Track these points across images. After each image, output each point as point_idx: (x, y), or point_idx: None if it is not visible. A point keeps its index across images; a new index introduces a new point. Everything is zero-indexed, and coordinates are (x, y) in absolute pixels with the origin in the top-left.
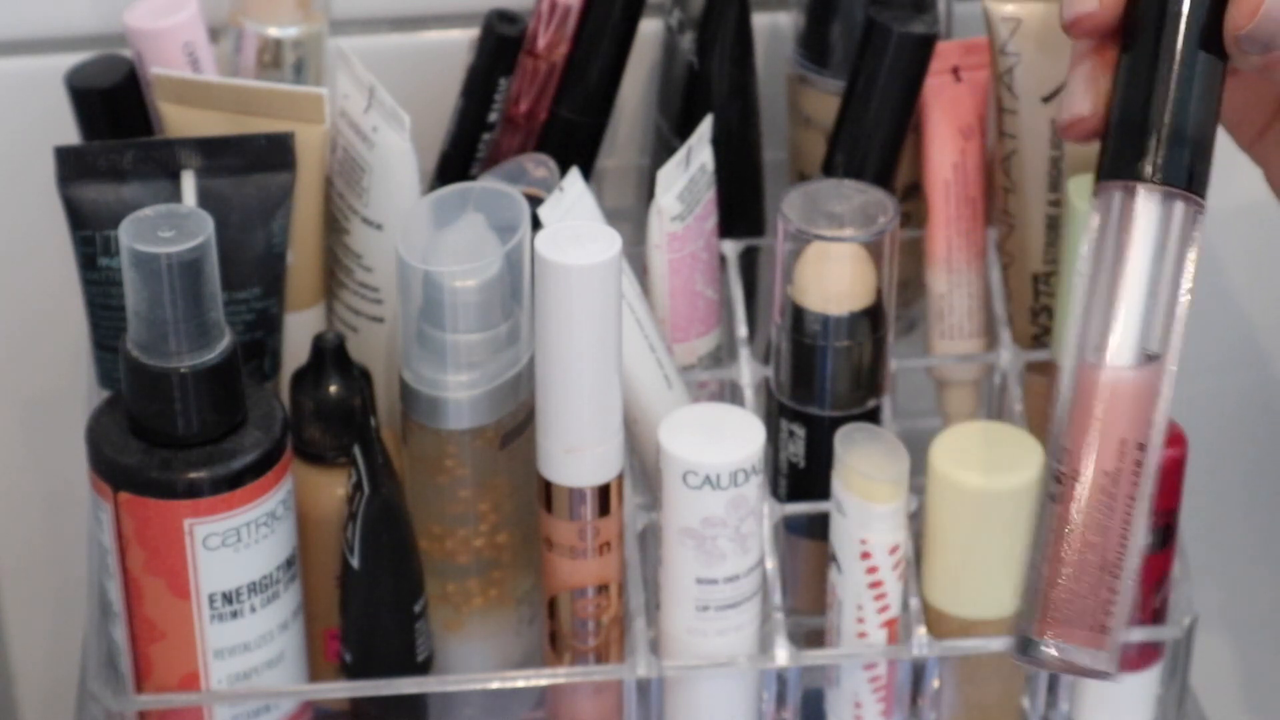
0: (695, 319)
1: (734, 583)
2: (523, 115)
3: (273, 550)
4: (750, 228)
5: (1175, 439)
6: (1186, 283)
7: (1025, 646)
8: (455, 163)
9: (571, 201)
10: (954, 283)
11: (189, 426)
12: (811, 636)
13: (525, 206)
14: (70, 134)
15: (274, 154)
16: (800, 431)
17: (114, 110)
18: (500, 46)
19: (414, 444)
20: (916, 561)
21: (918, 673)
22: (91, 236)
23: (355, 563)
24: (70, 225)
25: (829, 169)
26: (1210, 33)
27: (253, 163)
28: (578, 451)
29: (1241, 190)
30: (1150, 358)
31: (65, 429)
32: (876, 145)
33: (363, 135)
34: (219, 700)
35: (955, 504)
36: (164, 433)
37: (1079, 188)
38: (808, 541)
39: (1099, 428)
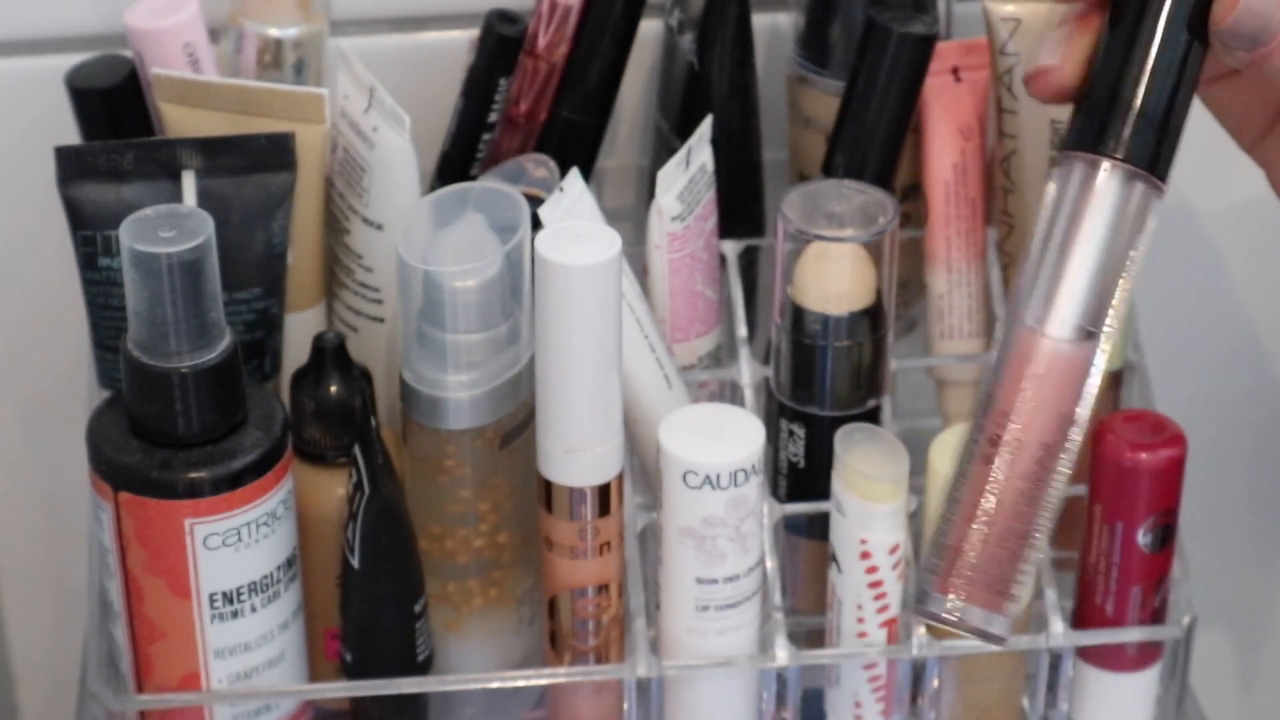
0: (695, 319)
1: (734, 583)
2: (523, 115)
3: (273, 550)
4: (750, 228)
5: (1175, 439)
6: (1134, 266)
7: (925, 600)
8: (455, 163)
9: (571, 201)
10: (954, 283)
11: (189, 426)
12: (811, 636)
13: (525, 206)
14: (70, 134)
15: (274, 154)
16: (800, 431)
17: (114, 110)
18: (500, 46)
19: (414, 444)
20: (916, 561)
21: (918, 672)
22: (92, 236)
23: (355, 563)
24: (70, 225)
25: (829, 169)
26: (1194, 19)
27: (253, 163)
28: (578, 451)
29: (1242, 189)
30: (1089, 335)
31: (65, 429)
32: (876, 145)
33: (363, 135)
34: (219, 700)
35: None
36: (164, 433)
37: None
38: (808, 541)
39: (1039, 398)
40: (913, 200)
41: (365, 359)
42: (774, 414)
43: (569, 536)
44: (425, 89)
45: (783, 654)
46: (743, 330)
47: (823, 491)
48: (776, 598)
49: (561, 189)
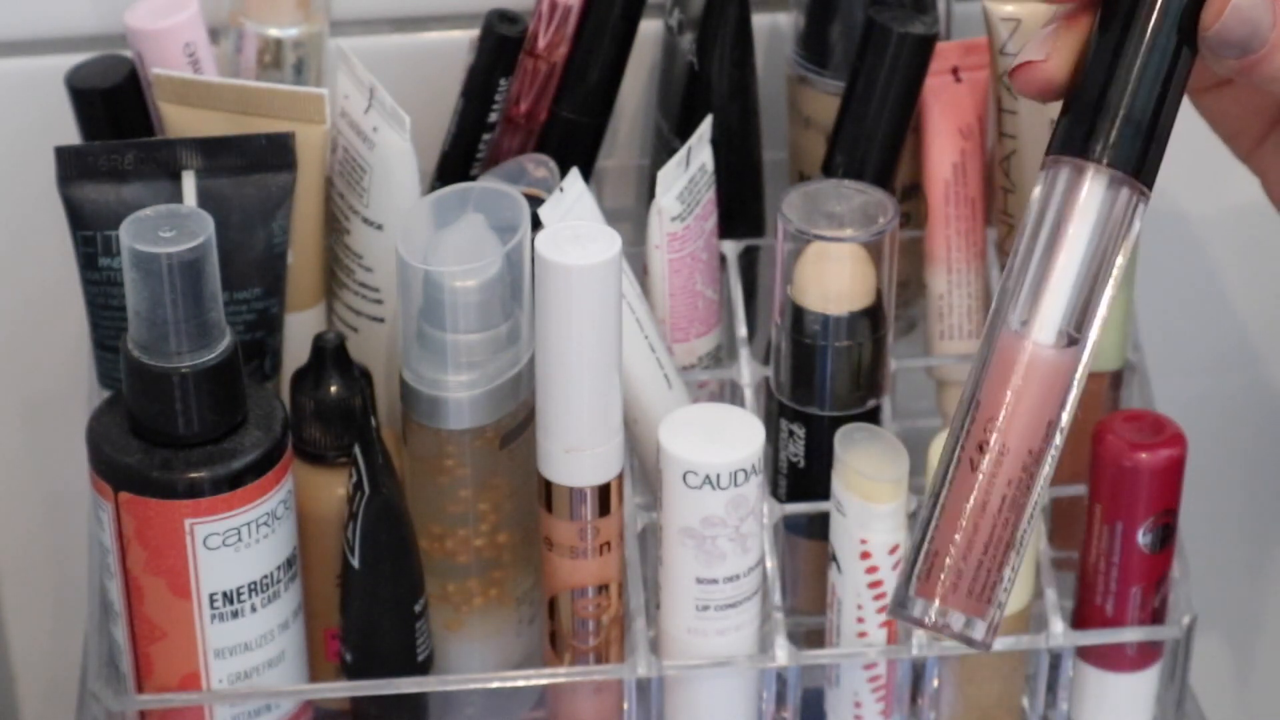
0: (695, 319)
1: (734, 582)
2: (523, 115)
3: (273, 550)
4: (750, 228)
5: (1175, 439)
6: (1120, 272)
7: (905, 604)
8: (455, 163)
9: (571, 201)
10: (954, 283)
11: (189, 426)
12: (811, 636)
13: (525, 206)
14: (70, 134)
15: (274, 154)
16: (800, 431)
17: (114, 110)
18: (500, 46)
19: (414, 444)
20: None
21: (917, 672)
22: (92, 236)
23: (355, 563)
24: (70, 225)
25: (829, 169)
26: (1183, 26)
27: (253, 163)
28: (578, 451)
29: (1242, 189)
30: (1073, 340)
31: (65, 429)
32: (876, 145)
33: (363, 135)
34: (219, 700)
35: None
36: (164, 433)
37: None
38: (808, 541)
39: (1024, 404)
40: (913, 200)
41: (365, 359)
42: (774, 414)
43: (569, 536)
44: (425, 89)
45: (783, 654)
46: (743, 330)
47: (823, 491)
48: (776, 598)
49: (561, 189)
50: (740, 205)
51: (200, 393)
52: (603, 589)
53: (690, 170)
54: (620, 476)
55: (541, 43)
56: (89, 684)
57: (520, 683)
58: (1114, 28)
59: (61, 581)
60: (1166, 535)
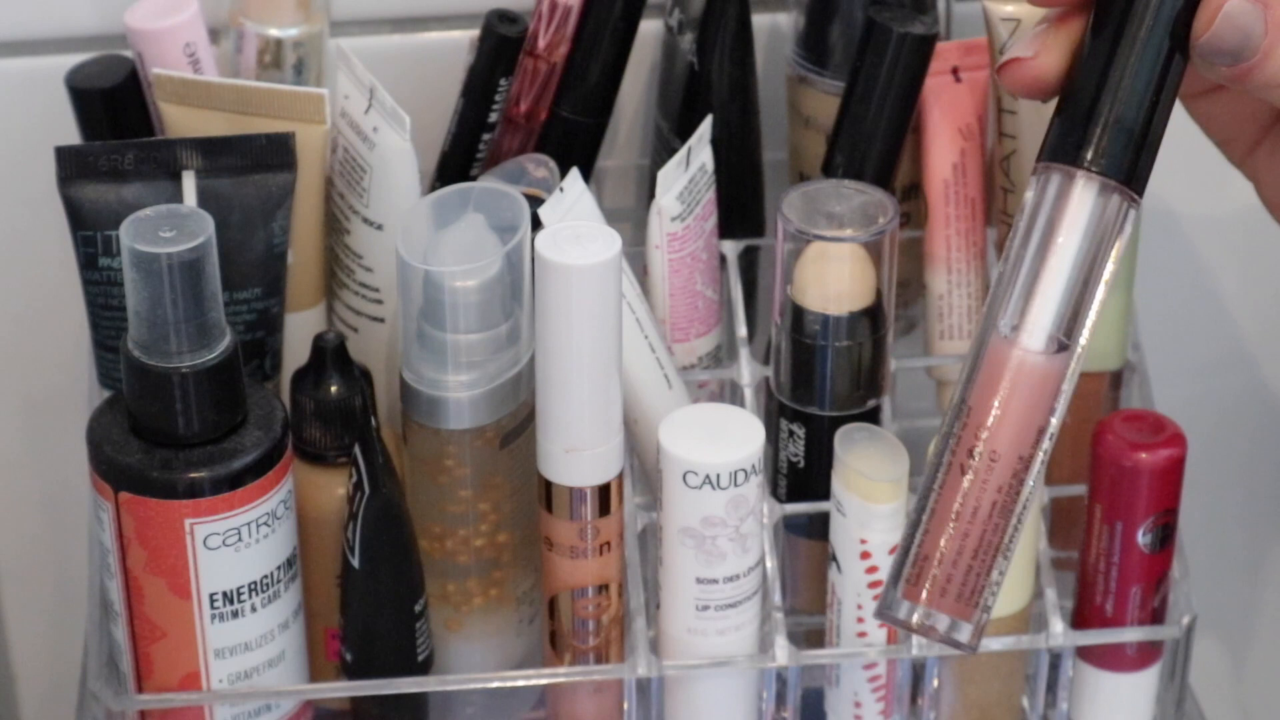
0: (695, 319)
1: (734, 582)
2: (523, 115)
3: (273, 550)
4: (750, 228)
5: (1175, 439)
6: (1106, 278)
7: (892, 606)
8: (455, 163)
9: (571, 201)
10: (954, 283)
11: (189, 426)
12: (811, 636)
13: (525, 206)
14: (70, 134)
15: (274, 154)
16: (800, 431)
17: (114, 110)
18: (500, 46)
19: (414, 444)
20: None
21: (917, 672)
22: (92, 236)
23: (355, 562)
24: (70, 225)
25: (829, 169)
26: (1175, 33)
27: (253, 163)
28: (578, 451)
29: (1242, 189)
30: (1062, 346)
31: (65, 429)
32: (876, 145)
33: (363, 135)
34: (219, 700)
35: None
36: (165, 433)
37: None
38: (808, 541)
39: (1016, 410)
40: (913, 200)
41: (365, 359)
42: (774, 414)
43: (569, 536)
44: (425, 89)
45: (782, 654)
46: (743, 330)
47: (823, 491)
48: (776, 598)
49: (561, 189)
50: (740, 205)
51: (200, 393)
52: (603, 589)
53: (690, 170)
54: (620, 476)
55: (541, 43)
56: (89, 684)
57: (520, 683)
58: (1106, 34)
59: (61, 581)
60: (1166, 535)
